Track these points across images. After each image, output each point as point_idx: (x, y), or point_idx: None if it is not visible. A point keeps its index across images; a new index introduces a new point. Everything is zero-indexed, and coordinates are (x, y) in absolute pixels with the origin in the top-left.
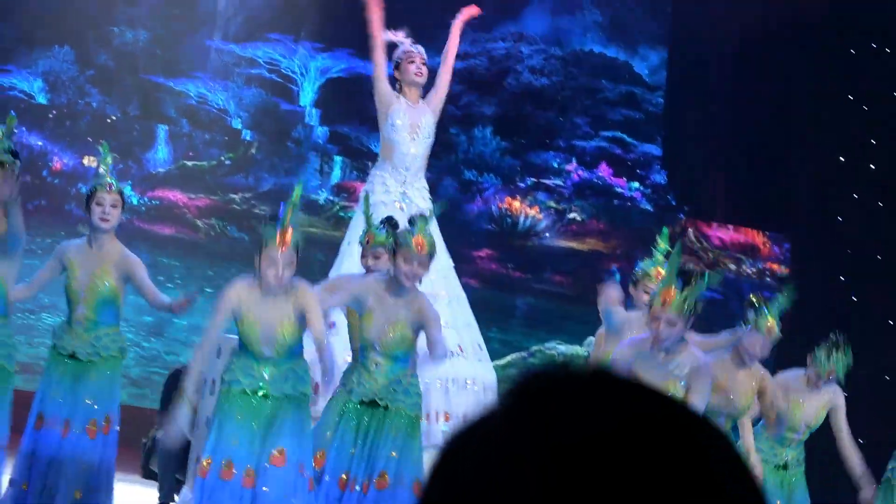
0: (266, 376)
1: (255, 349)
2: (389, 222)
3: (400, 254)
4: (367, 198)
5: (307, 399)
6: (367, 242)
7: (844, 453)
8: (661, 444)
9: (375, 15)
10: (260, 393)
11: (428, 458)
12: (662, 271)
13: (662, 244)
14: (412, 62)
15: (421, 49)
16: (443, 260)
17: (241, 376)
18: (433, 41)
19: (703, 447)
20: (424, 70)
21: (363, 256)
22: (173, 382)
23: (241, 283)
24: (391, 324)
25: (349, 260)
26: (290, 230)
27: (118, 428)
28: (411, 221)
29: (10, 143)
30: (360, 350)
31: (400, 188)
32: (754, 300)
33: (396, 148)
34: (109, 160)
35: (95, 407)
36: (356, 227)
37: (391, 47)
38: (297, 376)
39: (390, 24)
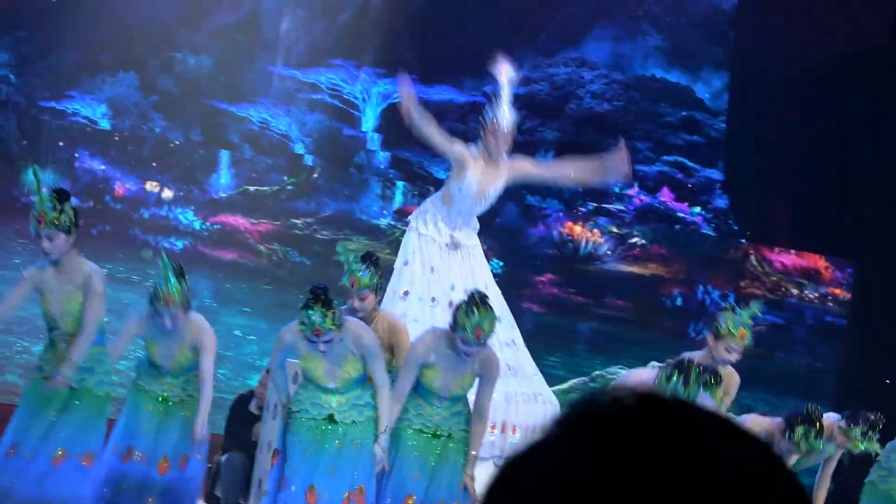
0: (333, 404)
1: (320, 383)
2: (370, 259)
3: (458, 335)
4: (344, 248)
5: (374, 423)
6: (352, 286)
7: (823, 474)
8: (668, 452)
9: (416, 120)
10: (327, 417)
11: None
12: (747, 333)
13: (755, 309)
14: (495, 137)
15: (513, 121)
16: (490, 286)
17: (309, 406)
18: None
19: (708, 449)
20: (504, 149)
21: (348, 297)
22: (238, 407)
23: (292, 329)
24: (458, 378)
25: (399, 279)
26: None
27: (199, 456)
28: (471, 303)
29: (49, 192)
30: (421, 389)
31: (450, 231)
32: (808, 423)
33: (457, 205)
34: (172, 277)
35: (183, 441)
36: (407, 247)
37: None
38: (364, 402)
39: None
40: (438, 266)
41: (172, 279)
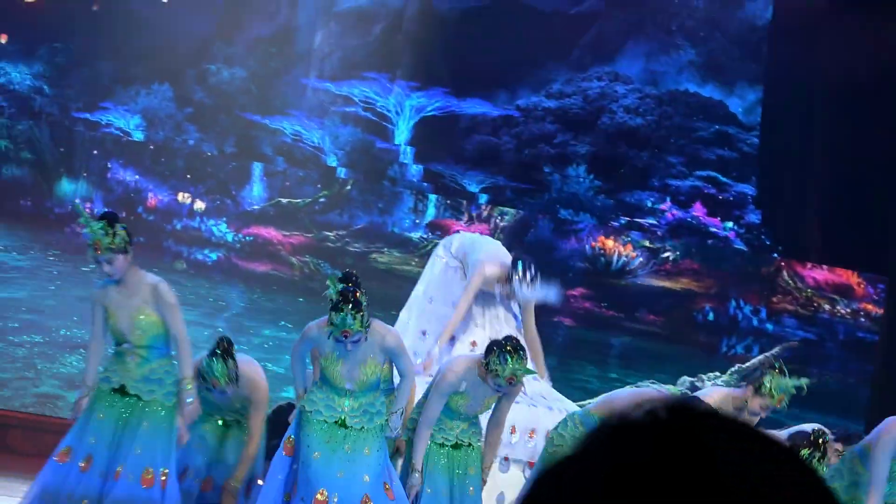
0: (346, 407)
1: (337, 384)
2: (352, 281)
3: (490, 376)
4: (332, 279)
5: (383, 429)
6: None
7: None
8: (670, 456)
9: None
10: (338, 422)
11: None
12: (785, 399)
13: (802, 382)
14: (507, 291)
15: (530, 300)
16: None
17: (323, 408)
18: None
19: (709, 449)
20: (512, 299)
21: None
22: (276, 418)
23: (319, 324)
24: (485, 400)
25: (421, 314)
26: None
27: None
28: (504, 350)
29: (99, 223)
30: (445, 409)
31: None
32: (813, 447)
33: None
34: (216, 362)
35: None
36: (433, 280)
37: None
38: (375, 409)
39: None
40: (462, 305)
41: (216, 364)
